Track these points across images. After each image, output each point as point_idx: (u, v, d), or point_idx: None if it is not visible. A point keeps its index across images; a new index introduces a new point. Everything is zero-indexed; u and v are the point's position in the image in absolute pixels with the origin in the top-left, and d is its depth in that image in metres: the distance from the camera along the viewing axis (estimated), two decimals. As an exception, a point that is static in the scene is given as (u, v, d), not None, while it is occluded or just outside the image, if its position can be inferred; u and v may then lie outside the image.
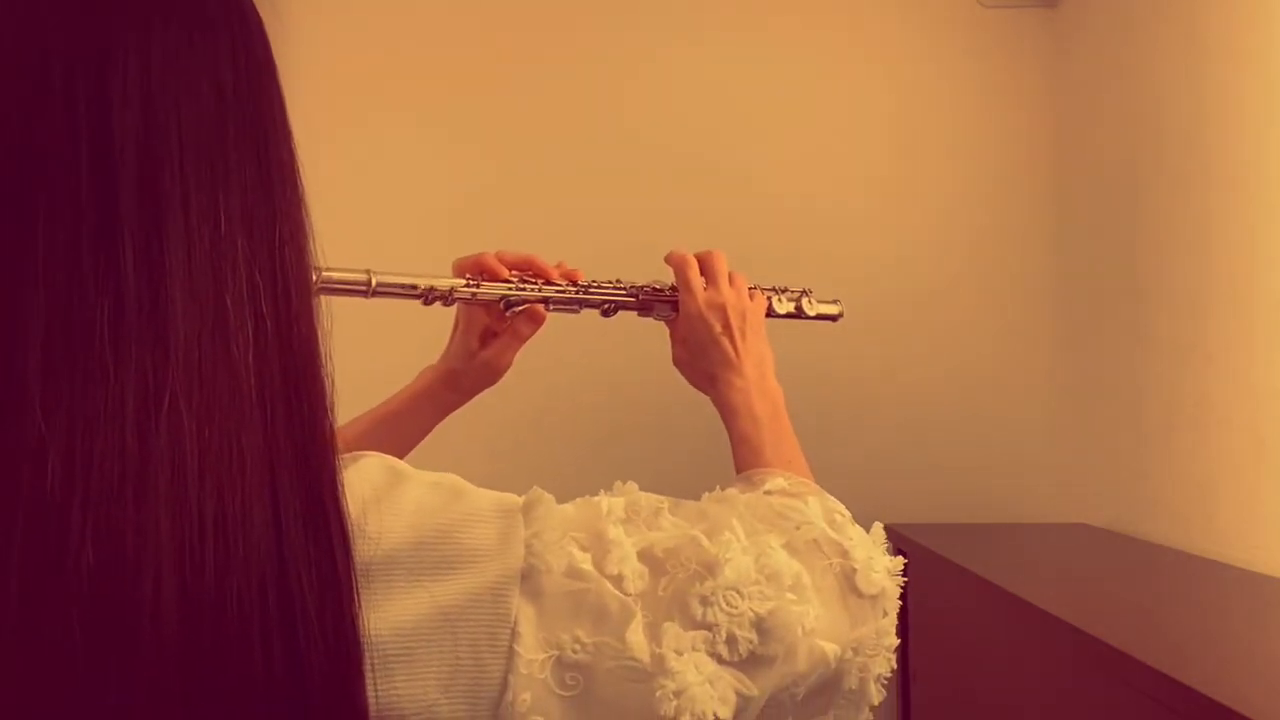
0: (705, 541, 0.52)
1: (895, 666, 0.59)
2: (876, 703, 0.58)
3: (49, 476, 0.37)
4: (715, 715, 0.48)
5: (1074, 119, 1.94)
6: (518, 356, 0.87)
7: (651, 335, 0.91)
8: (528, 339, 0.85)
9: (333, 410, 0.45)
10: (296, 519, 0.41)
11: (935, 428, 1.94)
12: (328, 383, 0.45)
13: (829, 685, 0.56)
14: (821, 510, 0.60)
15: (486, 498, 0.50)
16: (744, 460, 0.71)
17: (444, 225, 1.92)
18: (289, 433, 0.42)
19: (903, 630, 1.72)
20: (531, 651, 0.46)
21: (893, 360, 1.94)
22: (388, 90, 1.93)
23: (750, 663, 0.50)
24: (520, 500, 0.51)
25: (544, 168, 1.95)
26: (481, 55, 1.96)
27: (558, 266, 0.84)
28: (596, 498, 0.54)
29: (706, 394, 0.79)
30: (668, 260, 0.83)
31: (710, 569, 0.50)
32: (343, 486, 0.44)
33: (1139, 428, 1.69)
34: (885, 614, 0.58)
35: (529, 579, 0.47)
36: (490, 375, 0.85)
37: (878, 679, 0.58)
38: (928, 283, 1.96)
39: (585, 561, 0.48)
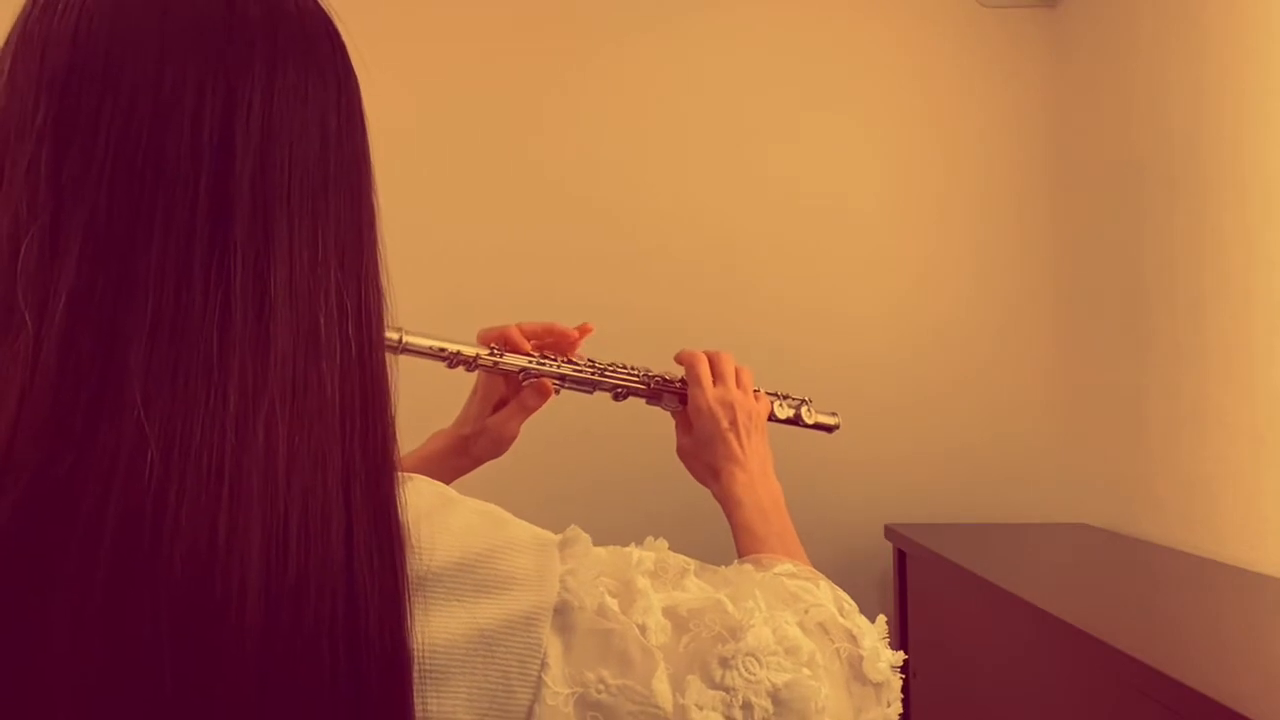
0: (730, 606, 0.53)
1: None
2: None
3: (148, 466, 0.38)
4: None
5: (1074, 119, 1.94)
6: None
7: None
8: (534, 411, 0.87)
9: (396, 438, 0.47)
10: (366, 532, 0.43)
11: (935, 428, 1.94)
12: (394, 411, 0.47)
13: None
14: (832, 596, 0.61)
15: (527, 530, 0.51)
16: (746, 548, 0.73)
17: (440, 236, 1.92)
18: (363, 450, 0.44)
19: (902, 630, 1.72)
20: (558, 684, 0.47)
21: (892, 360, 1.94)
22: (382, 94, 1.93)
23: None
24: (558, 537, 0.52)
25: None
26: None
27: (579, 329, 0.88)
28: (628, 548, 0.55)
29: (708, 486, 0.83)
30: (679, 358, 0.88)
31: (733, 633, 0.51)
32: (404, 505, 0.45)
33: (1139, 428, 1.69)
34: (889, 704, 0.59)
35: (562, 613, 0.48)
36: (496, 446, 0.87)
37: None
38: (926, 283, 1.97)
39: (613, 605, 0.50)
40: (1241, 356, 1.41)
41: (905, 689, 1.75)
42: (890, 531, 1.76)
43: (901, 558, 1.73)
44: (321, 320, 0.44)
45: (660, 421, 0.92)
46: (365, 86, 0.51)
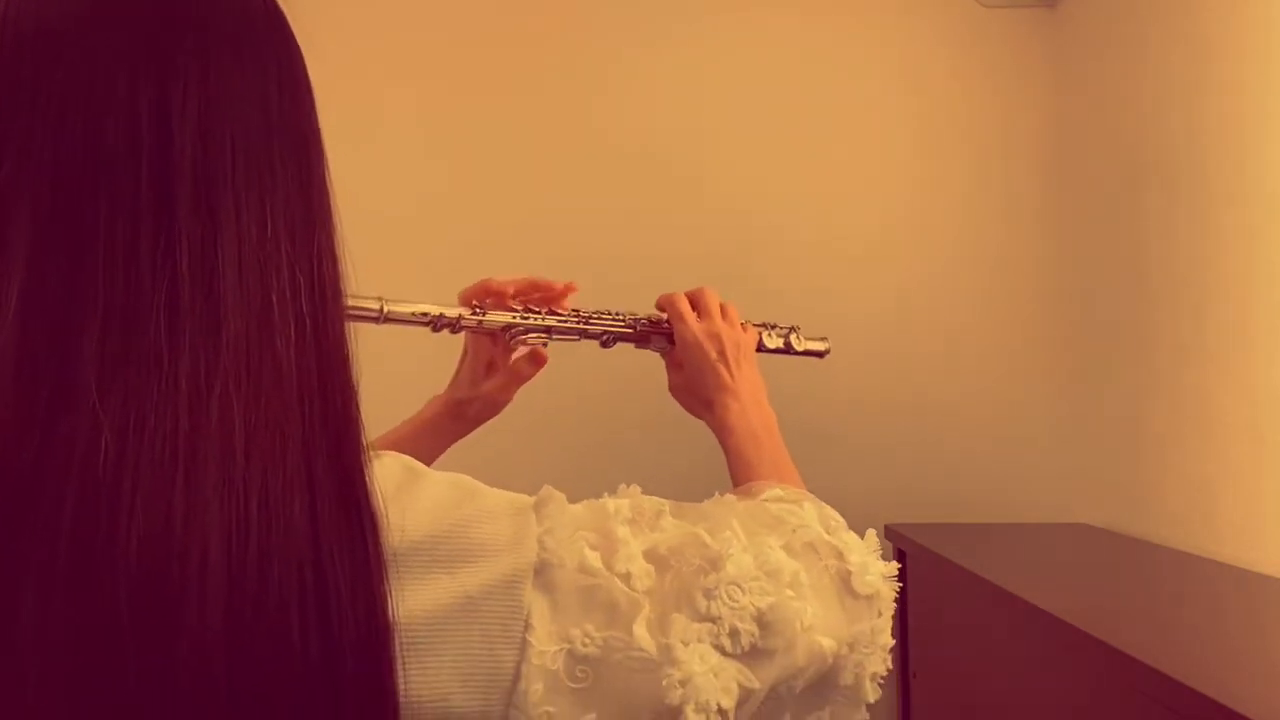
0: (708, 538, 0.53)
1: (891, 666, 0.60)
2: (872, 700, 0.59)
3: (102, 453, 0.39)
4: (719, 705, 0.49)
5: (1074, 119, 1.94)
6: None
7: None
8: (529, 379, 0.88)
9: (360, 411, 0.47)
10: (331, 506, 0.43)
11: (936, 428, 1.94)
12: (356, 384, 0.47)
13: (825, 680, 0.57)
14: (818, 515, 0.61)
15: (501, 496, 0.52)
16: (741, 476, 0.73)
17: (436, 227, 1.92)
18: (324, 426, 0.44)
19: (902, 630, 1.72)
20: (544, 643, 0.47)
21: (892, 360, 1.94)
22: (380, 94, 1.93)
23: (752, 655, 0.52)
24: (532, 499, 0.52)
25: (534, 176, 1.95)
26: (479, 61, 1.96)
27: (564, 285, 0.88)
28: (602, 500, 0.55)
29: (702, 419, 0.83)
30: (659, 303, 0.88)
31: (713, 564, 0.52)
32: (372, 479, 0.45)
33: (1139, 428, 1.69)
34: (880, 614, 0.60)
35: (542, 573, 0.48)
36: (491, 407, 0.88)
37: (873, 677, 0.59)
38: (927, 282, 1.97)
39: (595, 559, 0.50)
40: (1241, 356, 1.41)
41: (905, 689, 1.74)
42: (890, 531, 1.76)
43: (901, 558, 1.73)
44: (274, 297, 0.44)
45: (653, 375, 0.91)
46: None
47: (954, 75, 1.99)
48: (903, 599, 1.71)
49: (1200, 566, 1.38)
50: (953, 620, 1.48)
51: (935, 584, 1.58)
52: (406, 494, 0.48)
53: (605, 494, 0.56)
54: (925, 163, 1.99)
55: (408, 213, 1.90)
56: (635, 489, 0.57)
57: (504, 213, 1.93)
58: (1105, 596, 1.26)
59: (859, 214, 1.98)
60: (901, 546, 1.72)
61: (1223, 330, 1.45)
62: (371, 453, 0.47)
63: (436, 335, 0.82)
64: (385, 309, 0.77)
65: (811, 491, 0.70)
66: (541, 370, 0.88)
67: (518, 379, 0.87)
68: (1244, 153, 1.40)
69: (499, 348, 0.87)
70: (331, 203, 0.49)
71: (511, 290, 0.85)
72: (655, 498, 0.57)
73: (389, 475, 0.48)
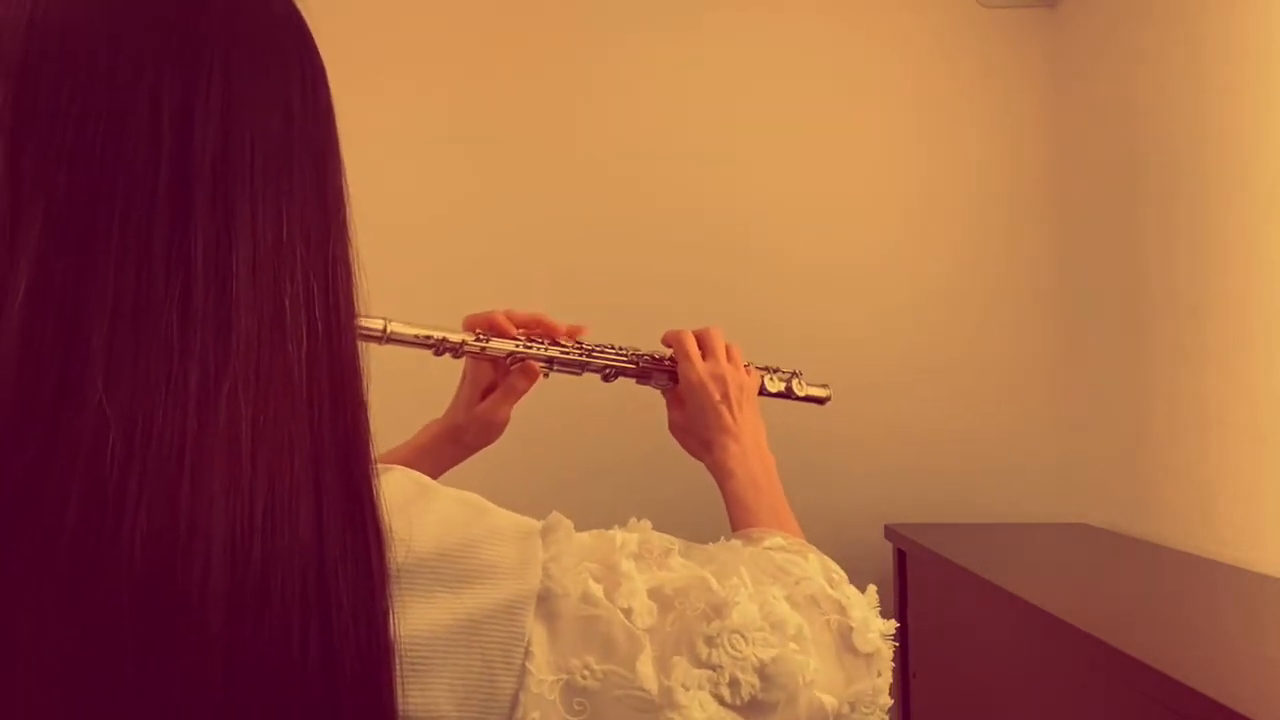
0: (714, 583, 0.53)
1: None
2: None
3: (108, 449, 0.38)
4: None
5: (1074, 119, 1.94)
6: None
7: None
8: (523, 394, 0.87)
9: (369, 423, 0.47)
10: (337, 515, 0.42)
11: (935, 428, 1.94)
12: (366, 395, 0.47)
13: None
14: (820, 568, 0.61)
15: (508, 518, 0.51)
16: (740, 521, 0.73)
17: (437, 231, 1.92)
18: (333, 434, 0.44)
19: (902, 630, 1.72)
20: (543, 672, 0.47)
21: (892, 360, 1.94)
22: (381, 104, 1.93)
23: (752, 708, 0.51)
24: (539, 524, 0.52)
25: (534, 179, 1.95)
26: (480, 70, 1.97)
27: (569, 329, 0.87)
28: (611, 531, 0.55)
29: (702, 460, 0.83)
30: (665, 339, 0.87)
31: (718, 610, 0.51)
32: (379, 491, 0.45)
33: (1139, 428, 1.69)
34: (879, 674, 0.59)
35: (545, 601, 0.48)
36: (488, 431, 0.87)
37: None
38: (926, 282, 1.97)
39: (598, 590, 0.49)
40: (1241, 357, 1.41)
41: (905, 689, 1.74)
42: (890, 531, 1.76)
43: (901, 558, 1.73)
44: (286, 301, 0.44)
45: (654, 404, 0.91)
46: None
47: (954, 75, 1.99)
48: (903, 599, 1.71)
49: (1200, 566, 1.38)
50: (953, 620, 1.48)
51: (935, 584, 1.58)
52: (414, 508, 0.47)
53: (615, 526, 0.56)
54: (924, 162, 1.99)
55: (407, 223, 1.90)
56: (646, 524, 0.57)
57: (503, 226, 1.93)
58: (1105, 596, 1.26)
59: (858, 213, 1.98)
60: (901, 546, 1.72)
61: (1223, 330, 1.45)
62: (381, 466, 0.47)
63: (438, 360, 0.82)
64: (389, 329, 0.76)
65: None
66: (536, 389, 0.87)
67: (512, 394, 0.86)
68: (1244, 153, 1.40)
69: (499, 375, 0.87)
70: (347, 213, 0.49)
71: (516, 329, 0.85)
72: (666, 535, 0.56)
73: (398, 489, 0.48)
